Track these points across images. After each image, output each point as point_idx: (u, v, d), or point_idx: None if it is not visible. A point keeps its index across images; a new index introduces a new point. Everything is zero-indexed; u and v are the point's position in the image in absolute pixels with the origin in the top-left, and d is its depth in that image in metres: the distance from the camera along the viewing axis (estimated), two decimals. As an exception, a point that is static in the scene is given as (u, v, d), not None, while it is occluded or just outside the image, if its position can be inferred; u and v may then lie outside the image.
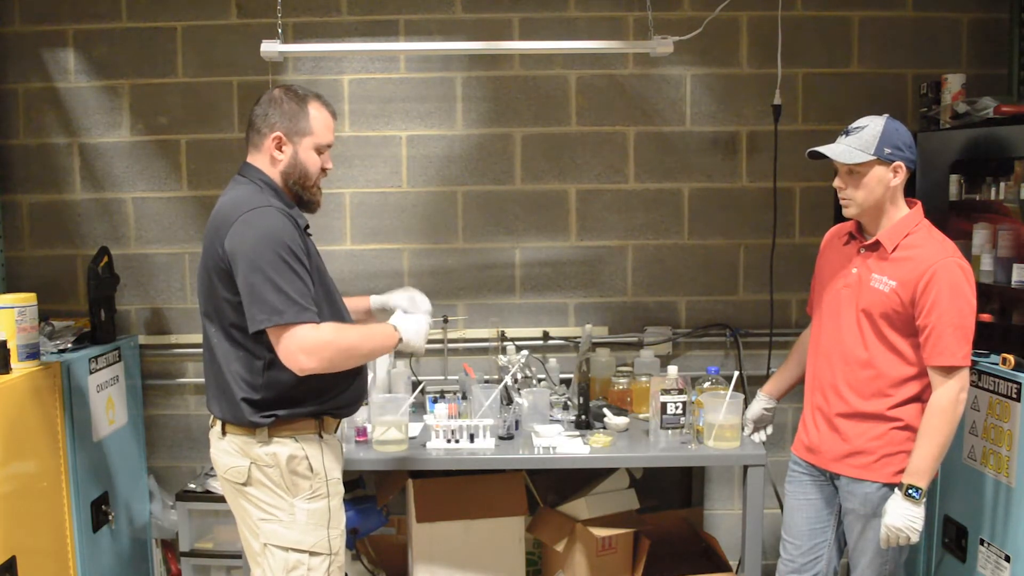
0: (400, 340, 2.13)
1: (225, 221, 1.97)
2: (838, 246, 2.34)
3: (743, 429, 2.63)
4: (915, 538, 2.11)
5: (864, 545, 2.25)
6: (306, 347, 1.92)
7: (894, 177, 2.16)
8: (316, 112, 2.09)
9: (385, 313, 2.37)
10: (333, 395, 2.08)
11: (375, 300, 2.40)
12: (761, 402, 2.60)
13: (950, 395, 2.08)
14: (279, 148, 2.07)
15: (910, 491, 2.09)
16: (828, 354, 2.30)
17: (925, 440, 2.09)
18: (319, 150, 2.10)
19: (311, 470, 2.05)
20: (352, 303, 2.36)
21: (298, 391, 2.01)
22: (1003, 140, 2.61)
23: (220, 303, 2.00)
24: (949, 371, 2.09)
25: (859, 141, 2.15)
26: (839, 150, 2.17)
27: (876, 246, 2.21)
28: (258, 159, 2.09)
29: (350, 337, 2.04)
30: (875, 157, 2.13)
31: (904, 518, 2.09)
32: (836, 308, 2.28)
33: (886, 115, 2.19)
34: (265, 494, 2.04)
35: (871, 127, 2.15)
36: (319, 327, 1.95)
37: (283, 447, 2.03)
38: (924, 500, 2.09)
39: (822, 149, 2.20)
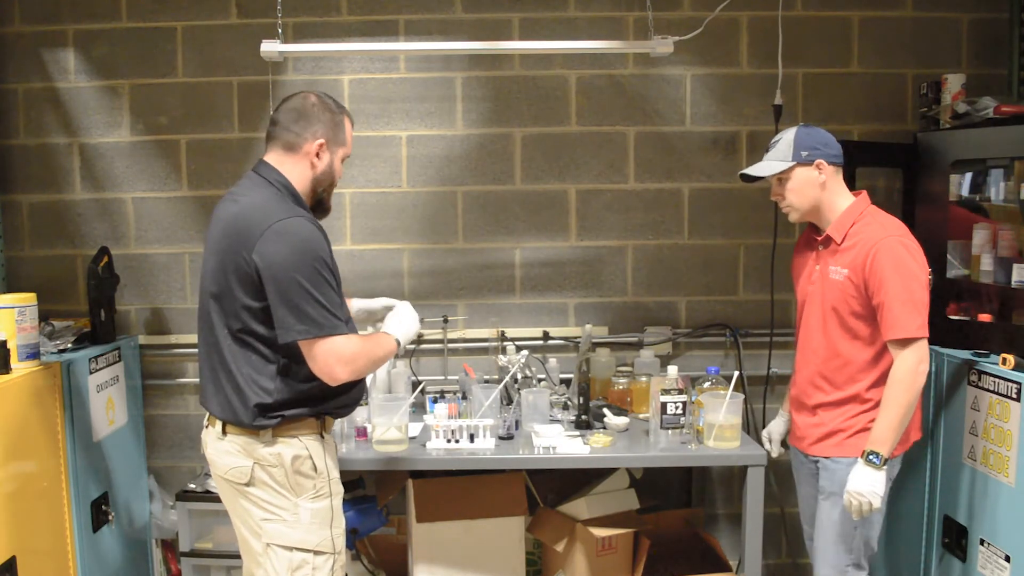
0: (399, 344, 2.17)
1: (254, 228, 1.95)
2: (804, 249, 2.50)
3: (766, 443, 2.66)
4: (876, 503, 2.19)
5: (825, 521, 2.35)
6: (344, 358, 1.97)
7: (819, 174, 2.31)
8: (348, 125, 2.18)
9: (364, 313, 2.37)
10: (339, 396, 2.10)
11: (356, 303, 2.38)
12: (784, 419, 2.65)
13: (907, 366, 2.18)
14: (318, 155, 2.09)
15: (870, 456, 2.19)
16: (804, 348, 2.45)
17: (885, 410, 2.20)
18: (343, 160, 2.17)
19: (315, 469, 2.06)
20: None
21: (308, 393, 2.03)
22: (1003, 140, 2.61)
23: (237, 307, 1.99)
24: (904, 343, 2.19)
25: (777, 153, 2.36)
26: (763, 167, 2.38)
27: (828, 240, 2.35)
28: (284, 160, 2.08)
29: (370, 346, 2.08)
30: (794, 162, 2.30)
31: (866, 483, 2.19)
32: (808, 305, 2.43)
33: (799, 124, 2.37)
34: (268, 494, 2.04)
35: (784, 138, 2.36)
36: (350, 338, 2.00)
37: (288, 447, 2.03)
38: (885, 467, 2.19)
39: (748, 171, 2.40)
